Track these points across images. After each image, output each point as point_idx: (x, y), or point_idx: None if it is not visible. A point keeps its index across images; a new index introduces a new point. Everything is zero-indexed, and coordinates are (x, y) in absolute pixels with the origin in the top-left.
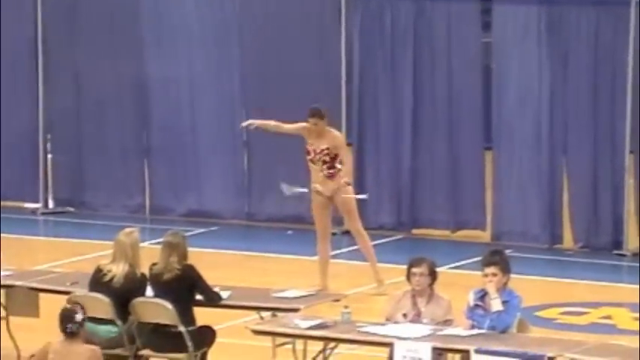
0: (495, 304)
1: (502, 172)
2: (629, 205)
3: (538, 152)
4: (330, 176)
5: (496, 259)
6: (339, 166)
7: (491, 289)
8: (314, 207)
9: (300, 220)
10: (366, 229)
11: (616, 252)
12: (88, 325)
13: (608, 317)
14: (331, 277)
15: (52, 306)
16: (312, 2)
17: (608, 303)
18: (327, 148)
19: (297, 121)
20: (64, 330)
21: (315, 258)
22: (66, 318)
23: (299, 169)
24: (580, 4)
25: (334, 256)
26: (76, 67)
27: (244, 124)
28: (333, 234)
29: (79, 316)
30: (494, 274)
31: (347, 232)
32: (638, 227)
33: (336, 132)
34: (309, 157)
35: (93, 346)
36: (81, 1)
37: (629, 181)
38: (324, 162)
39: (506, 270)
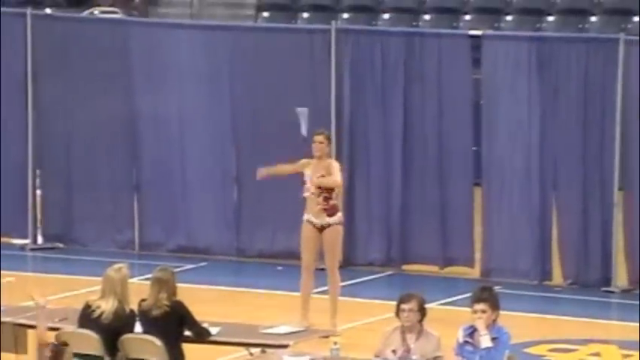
0: (485, 341)
1: (492, 208)
2: (618, 242)
3: (528, 188)
4: (326, 210)
5: (485, 295)
6: (335, 201)
7: (481, 325)
8: (303, 238)
9: (291, 255)
10: (355, 265)
11: (605, 289)
12: None
13: (597, 354)
14: (320, 312)
15: None
16: (303, 37)
17: (597, 340)
18: (322, 176)
19: (289, 158)
20: None
21: None
22: None
23: (289, 204)
24: (570, 40)
25: (324, 292)
26: (65, 102)
27: (261, 174)
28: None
29: None
30: (484, 311)
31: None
32: (626, 264)
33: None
34: (305, 187)
35: None
36: (71, 36)
37: (618, 218)
38: (320, 191)
39: (495, 306)
